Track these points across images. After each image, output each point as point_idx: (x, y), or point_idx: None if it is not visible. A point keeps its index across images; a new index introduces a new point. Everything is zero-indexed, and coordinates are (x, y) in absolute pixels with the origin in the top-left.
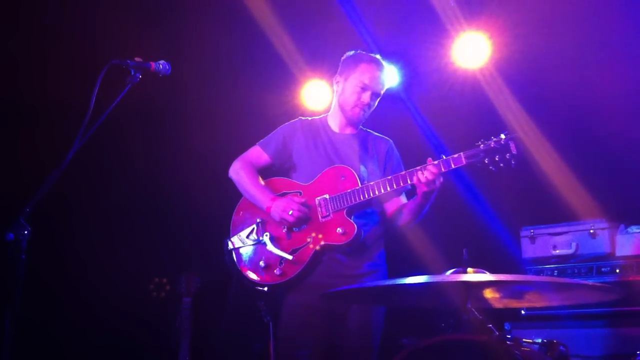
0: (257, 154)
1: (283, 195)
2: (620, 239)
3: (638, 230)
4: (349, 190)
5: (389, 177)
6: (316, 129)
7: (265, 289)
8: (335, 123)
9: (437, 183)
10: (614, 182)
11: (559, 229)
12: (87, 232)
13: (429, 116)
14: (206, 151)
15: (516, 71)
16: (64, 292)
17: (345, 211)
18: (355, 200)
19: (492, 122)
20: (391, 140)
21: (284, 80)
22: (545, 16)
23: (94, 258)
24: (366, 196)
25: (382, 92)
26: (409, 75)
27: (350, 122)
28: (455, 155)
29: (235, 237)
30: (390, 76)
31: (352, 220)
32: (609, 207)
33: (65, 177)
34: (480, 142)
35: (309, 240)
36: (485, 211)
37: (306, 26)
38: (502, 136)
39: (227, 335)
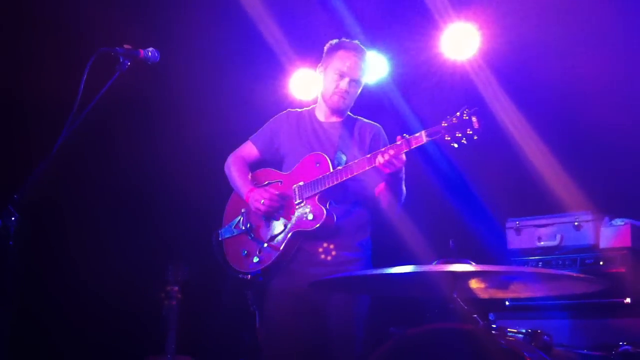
0: (249, 149)
1: (267, 185)
2: (604, 231)
3: (622, 223)
4: (320, 177)
5: (355, 162)
6: (302, 120)
7: (248, 277)
8: (321, 113)
9: (397, 163)
10: (600, 174)
11: (544, 221)
12: (75, 221)
13: (417, 107)
14: (195, 141)
15: (505, 62)
16: (51, 280)
17: (317, 197)
18: (325, 185)
19: (484, 112)
20: (379, 126)
21: (272, 69)
22: (534, 7)
23: (82, 248)
24: (334, 181)
25: (361, 79)
26: (397, 67)
27: (333, 111)
28: (417, 134)
29: (225, 227)
30: (372, 62)
31: (321, 206)
32: (594, 199)
33: (54, 166)
34: (444, 120)
35: (284, 227)
36: (472, 202)
37: (294, 16)
38: (465, 111)
39: (215, 325)
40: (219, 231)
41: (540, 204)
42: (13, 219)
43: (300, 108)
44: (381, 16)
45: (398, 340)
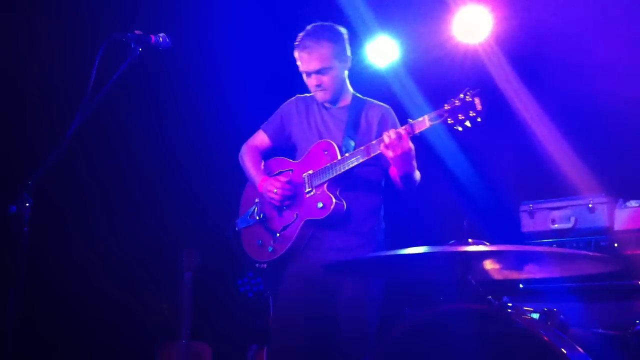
0: (260, 137)
1: (278, 174)
2: (618, 213)
3: (637, 205)
4: (328, 164)
5: (362, 148)
6: (311, 105)
7: (264, 266)
8: None
9: (401, 148)
10: (614, 157)
11: (557, 204)
12: (89, 208)
13: (429, 91)
14: (210, 127)
15: (517, 45)
16: (66, 266)
17: (325, 185)
18: (333, 173)
19: (493, 98)
20: (387, 107)
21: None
22: None
23: (95, 235)
24: (341, 169)
25: (324, 63)
26: (409, 51)
27: (328, 102)
28: (420, 119)
29: (241, 218)
30: (327, 39)
31: (330, 194)
32: (608, 182)
33: (68, 152)
34: (446, 103)
35: (295, 216)
36: (485, 185)
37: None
38: (468, 93)
39: (229, 310)
40: (236, 221)
41: (554, 186)
42: (27, 205)
43: (308, 93)
44: (392, 0)
45: (413, 321)
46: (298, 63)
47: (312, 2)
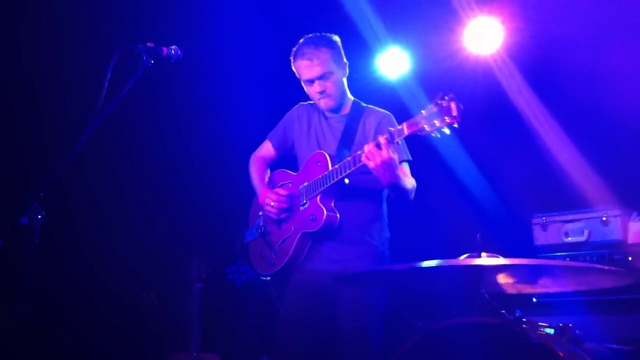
0: (266, 147)
1: (280, 186)
2: (632, 226)
3: None
4: (320, 176)
5: (349, 158)
6: (312, 113)
7: (268, 278)
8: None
9: (380, 158)
10: (627, 169)
11: (571, 216)
12: (99, 218)
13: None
14: (220, 136)
15: (529, 57)
16: (74, 277)
17: (318, 197)
18: (324, 185)
19: (504, 109)
20: (387, 113)
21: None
22: (558, 0)
23: (104, 245)
24: (331, 180)
25: (326, 69)
26: (420, 62)
27: (330, 111)
28: (399, 127)
29: (249, 230)
30: (325, 45)
31: (322, 206)
32: (622, 194)
33: (78, 162)
34: (423, 109)
35: (292, 229)
36: (497, 198)
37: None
38: (444, 98)
39: (238, 322)
40: (244, 234)
41: (567, 199)
42: (39, 217)
43: (311, 101)
44: (404, 11)
45: (424, 334)
46: (298, 74)
47: (322, 14)
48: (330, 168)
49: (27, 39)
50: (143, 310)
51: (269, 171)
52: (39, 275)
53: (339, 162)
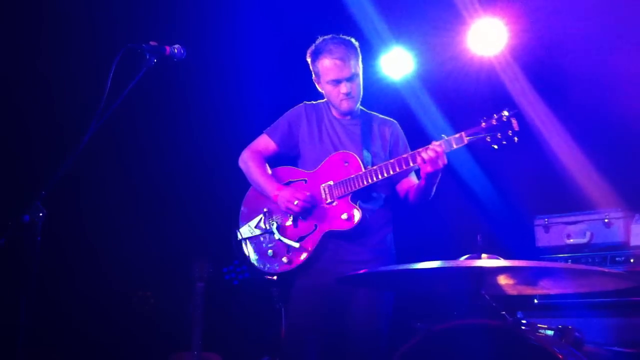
0: (265, 142)
1: (289, 184)
2: (635, 228)
3: None
4: (352, 176)
5: (392, 161)
6: (320, 113)
7: (275, 277)
8: (335, 111)
9: (440, 164)
10: (630, 171)
11: (573, 218)
12: (100, 218)
13: (444, 104)
14: (221, 137)
15: (532, 58)
16: (77, 276)
17: (350, 197)
18: (359, 185)
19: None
20: (395, 121)
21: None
22: (562, 1)
23: (106, 245)
24: (369, 181)
25: (356, 70)
26: (423, 63)
27: (347, 113)
28: (457, 135)
29: (244, 227)
30: (353, 47)
31: (356, 206)
32: (624, 196)
33: (79, 162)
34: (482, 120)
35: (314, 227)
36: (500, 199)
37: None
38: (505, 113)
39: (240, 322)
40: (238, 231)
41: (569, 201)
42: (41, 214)
43: (315, 101)
44: (407, 12)
45: (424, 336)
46: (322, 73)
47: (326, 15)
48: (362, 169)
49: (30, 37)
50: (142, 310)
51: (268, 167)
52: (41, 274)
53: (366, 164)
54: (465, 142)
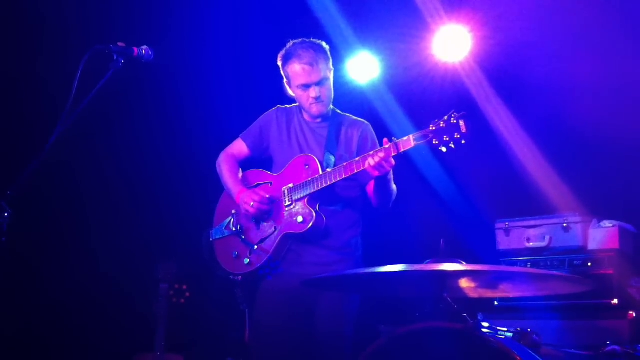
0: (239, 146)
1: (256, 186)
2: (592, 233)
3: (610, 225)
4: (309, 179)
5: (344, 164)
6: (290, 117)
7: (239, 278)
8: (306, 113)
9: (387, 167)
10: (589, 177)
11: (533, 222)
12: (66, 219)
13: (409, 109)
14: (187, 139)
15: (496, 64)
16: (41, 277)
17: (306, 199)
18: (314, 188)
19: (473, 116)
20: (366, 123)
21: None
22: (525, 9)
23: (72, 246)
24: (323, 183)
25: (326, 74)
26: (389, 68)
27: (318, 116)
28: (405, 138)
29: (216, 228)
30: (323, 51)
31: (311, 209)
32: (583, 201)
33: (46, 164)
34: (431, 123)
35: (273, 230)
36: (462, 203)
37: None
38: (453, 115)
39: (204, 322)
40: (210, 232)
41: (530, 205)
42: (6, 214)
43: (289, 104)
44: (374, 17)
45: (388, 339)
46: (291, 77)
47: (292, 18)
48: (320, 172)
49: None
50: (109, 311)
51: (240, 170)
52: (5, 274)
53: (327, 167)
54: (413, 145)
